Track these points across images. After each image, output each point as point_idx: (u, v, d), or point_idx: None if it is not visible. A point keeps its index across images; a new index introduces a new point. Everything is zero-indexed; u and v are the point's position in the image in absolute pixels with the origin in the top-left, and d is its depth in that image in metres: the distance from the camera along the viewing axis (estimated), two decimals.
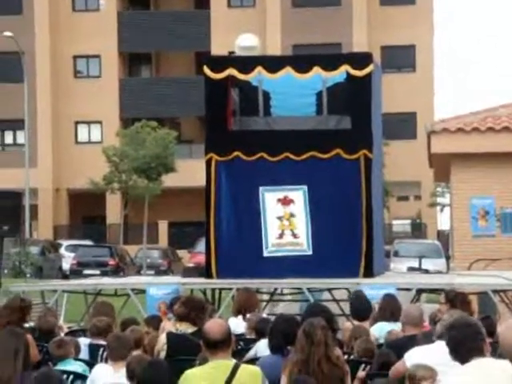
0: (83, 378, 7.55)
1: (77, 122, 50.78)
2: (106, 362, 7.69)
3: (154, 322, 9.92)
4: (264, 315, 10.78)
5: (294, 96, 15.04)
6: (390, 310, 9.32)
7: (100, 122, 50.50)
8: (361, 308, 9.94)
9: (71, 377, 7.45)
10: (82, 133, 51.19)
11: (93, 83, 50.43)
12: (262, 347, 8.08)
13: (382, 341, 8.70)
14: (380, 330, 9.09)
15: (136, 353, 7.53)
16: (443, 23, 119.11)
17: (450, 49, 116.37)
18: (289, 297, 17.10)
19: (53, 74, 50.11)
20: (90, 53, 50.71)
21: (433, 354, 6.50)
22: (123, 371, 6.72)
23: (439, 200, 52.73)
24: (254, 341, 8.54)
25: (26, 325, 9.27)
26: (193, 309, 8.43)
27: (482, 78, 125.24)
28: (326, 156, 14.11)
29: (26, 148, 42.23)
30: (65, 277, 34.11)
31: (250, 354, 7.86)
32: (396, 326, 8.90)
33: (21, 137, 47.79)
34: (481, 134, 19.62)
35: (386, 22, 50.31)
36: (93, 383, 7.00)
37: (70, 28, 50.43)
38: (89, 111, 49.46)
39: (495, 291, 13.76)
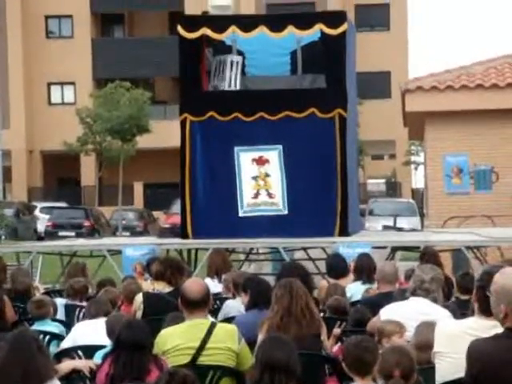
0: (59, 338, 7.58)
1: (49, 84, 50.34)
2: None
3: None
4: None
5: (268, 55, 14.99)
6: (366, 269, 9.35)
7: (73, 83, 50.08)
8: (336, 266, 9.99)
9: (48, 337, 7.48)
10: (55, 94, 50.76)
11: (65, 44, 49.91)
12: (229, 307, 8.18)
13: (354, 299, 8.77)
14: (354, 290, 9.14)
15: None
16: None
17: (423, 7, 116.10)
18: (264, 256, 17.16)
19: (24, 35, 49.54)
20: (61, 13, 50.13)
21: (405, 310, 6.58)
22: (101, 324, 6.77)
23: (413, 158, 52.93)
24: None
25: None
26: (170, 267, 8.47)
27: (456, 36, 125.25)
28: (300, 115, 14.10)
29: None
30: (40, 239, 33.98)
31: (219, 318, 7.94)
32: (370, 286, 8.96)
33: None
34: (455, 91, 19.66)
35: None
36: (75, 342, 7.02)
37: None
38: (61, 72, 49.02)
39: (469, 248, 13.89)
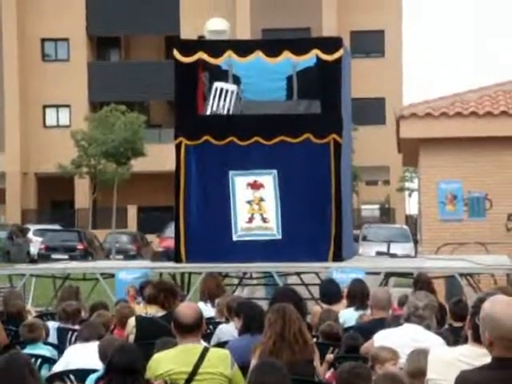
0: (51, 361, 7.54)
1: (45, 106, 50.40)
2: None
3: None
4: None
5: (264, 80, 15.03)
6: (359, 295, 9.33)
7: (68, 106, 50.17)
8: (330, 292, 9.98)
9: (39, 360, 7.44)
10: (51, 117, 50.82)
11: (61, 66, 50.04)
12: (222, 332, 8.16)
13: (347, 325, 8.74)
14: (347, 316, 9.12)
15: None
16: (412, 8, 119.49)
17: (418, 33, 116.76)
18: (257, 281, 17.12)
19: (20, 57, 49.65)
20: (58, 36, 50.28)
21: (398, 337, 6.57)
22: (93, 348, 6.74)
23: (407, 185, 53.05)
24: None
25: None
26: (163, 291, 8.46)
27: (451, 63, 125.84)
28: (295, 140, 14.13)
29: None
30: (33, 261, 33.88)
31: (212, 342, 7.93)
32: (363, 312, 8.94)
33: None
34: (449, 118, 19.72)
35: (355, 7, 50.36)
36: (67, 365, 7.00)
37: (37, 11, 49.95)
38: (57, 95, 49.12)
39: (462, 275, 13.89)
